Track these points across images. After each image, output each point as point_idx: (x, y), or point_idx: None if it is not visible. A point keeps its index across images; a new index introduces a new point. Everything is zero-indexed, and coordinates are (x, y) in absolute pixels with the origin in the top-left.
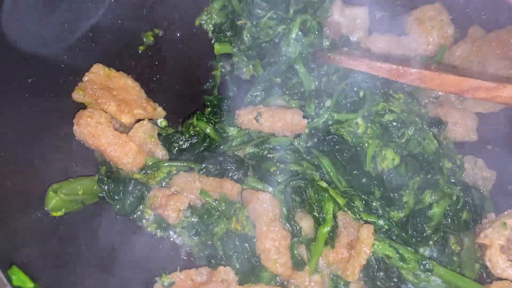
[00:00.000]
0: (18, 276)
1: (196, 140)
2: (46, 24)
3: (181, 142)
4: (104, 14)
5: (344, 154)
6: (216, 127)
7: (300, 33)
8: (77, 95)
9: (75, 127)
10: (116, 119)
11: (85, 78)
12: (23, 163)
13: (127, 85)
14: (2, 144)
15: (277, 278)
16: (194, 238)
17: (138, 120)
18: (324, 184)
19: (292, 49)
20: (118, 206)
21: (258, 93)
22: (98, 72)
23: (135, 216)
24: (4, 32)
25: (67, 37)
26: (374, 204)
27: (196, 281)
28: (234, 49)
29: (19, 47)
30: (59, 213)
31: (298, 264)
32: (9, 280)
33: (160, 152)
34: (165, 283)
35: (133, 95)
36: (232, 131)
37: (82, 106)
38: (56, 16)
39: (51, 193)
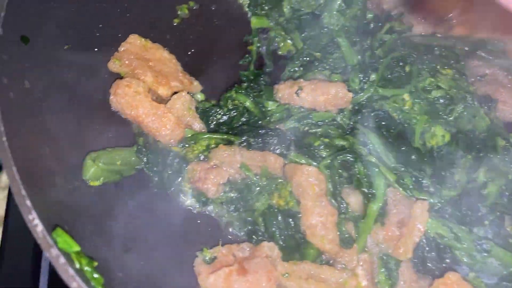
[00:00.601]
0: (63, 238)
1: (235, 113)
2: None
3: (219, 116)
4: None
5: (391, 130)
6: (256, 100)
7: (343, 4)
8: (113, 65)
9: (111, 97)
10: (152, 90)
11: (121, 48)
12: (59, 131)
13: (163, 57)
14: (38, 110)
15: (323, 256)
16: (234, 214)
17: (175, 93)
18: (373, 159)
19: (334, 21)
20: (156, 179)
21: (297, 68)
22: (135, 43)
23: (172, 189)
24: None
25: (103, 6)
26: (425, 181)
27: (238, 257)
28: (272, 23)
29: (56, 14)
30: (96, 183)
31: (346, 242)
32: (55, 242)
33: (198, 125)
34: (207, 258)
35: (170, 68)
36: (271, 105)
37: (118, 77)
38: None
39: (89, 161)
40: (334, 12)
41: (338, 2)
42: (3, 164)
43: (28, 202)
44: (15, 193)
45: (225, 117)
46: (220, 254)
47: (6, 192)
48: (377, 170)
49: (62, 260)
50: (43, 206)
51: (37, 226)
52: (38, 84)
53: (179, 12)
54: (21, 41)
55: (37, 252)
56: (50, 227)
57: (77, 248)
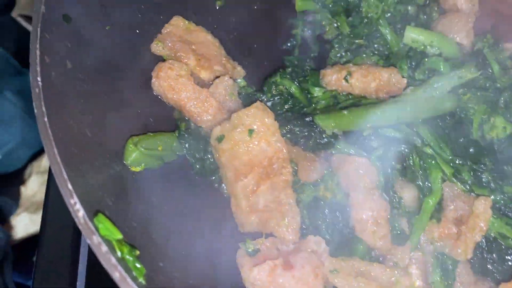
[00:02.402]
0: (105, 224)
1: (279, 99)
2: None
3: (262, 101)
4: None
5: (447, 121)
6: (302, 85)
7: None
8: (156, 47)
9: (154, 79)
10: (194, 74)
11: (165, 30)
12: (100, 113)
13: (206, 40)
14: (80, 92)
15: (372, 252)
16: None
17: (217, 78)
18: (429, 150)
19: (373, 9)
20: (198, 166)
21: (343, 53)
22: (178, 25)
23: (213, 178)
24: None
25: None
26: (484, 176)
27: (283, 250)
28: (318, 5)
29: None
30: (138, 168)
31: (398, 239)
32: (96, 229)
33: None
34: (249, 250)
35: (213, 51)
36: (317, 92)
37: (160, 59)
38: None
39: (131, 146)
40: (372, 0)
41: None
42: (45, 145)
43: (70, 186)
44: (56, 176)
45: (268, 103)
46: (264, 246)
47: (46, 177)
48: (433, 162)
49: (104, 248)
50: (84, 190)
51: (79, 211)
52: (80, 65)
53: None
54: (63, 20)
55: (76, 237)
56: (92, 213)
57: (119, 235)
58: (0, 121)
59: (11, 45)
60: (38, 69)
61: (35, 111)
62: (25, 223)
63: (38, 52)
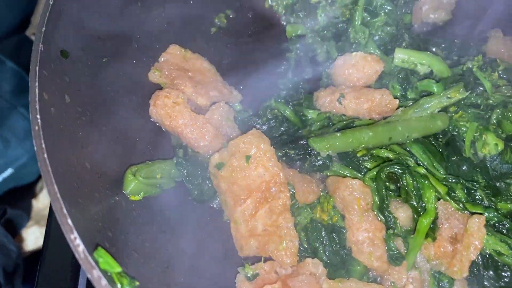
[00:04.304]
0: (105, 258)
1: (274, 123)
2: (119, 3)
3: (258, 126)
4: None
5: (439, 139)
6: (296, 108)
7: (367, 15)
8: (153, 75)
9: (151, 107)
10: (191, 100)
11: (162, 59)
12: (99, 145)
13: (202, 67)
14: (78, 125)
15: (370, 273)
16: None
17: (214, 103)
18: (422, 170)
19: (360, 35)
20: (196, 192)
21: None
22: (175, 53)
23: (211, 203)
24: (81, 14)
25: (140, 17)
26: (478, 193)
27: (281, 274)
28: (308, 31)
29: (96, 28)
30: (137, 197)
31: (394, 258)
32: (96, 263)
33: (237, 136)
34: (249, 275)
35: (209, 78)
36: (311, 114)
37: (157, 88)
38: None
39: (130, 175)
40: (358, 26)
41: (359, 18)
42: (45, 182)
43: (70, 221)
44: (56, 211)
45: (264, 127)
46: (263, 271)
47: None
48: (426, 182)
49: (104, 282)
50: (85, 224)
51: (79, 246)
52: (78, 99)
53: (216, 21)
54: (61, 56)
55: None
56: (92, 247)
57: (118, 268)
58: (13, 136)
59: (25, 63)
60: (37, 106)
61: (35, 148)
62: (35, 236)
63: (37, 90)
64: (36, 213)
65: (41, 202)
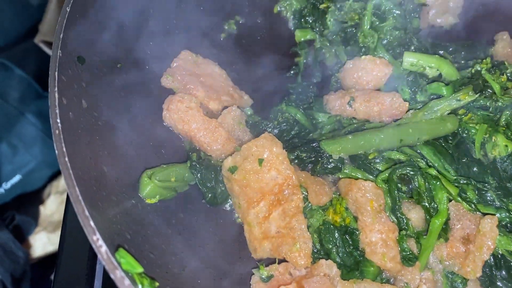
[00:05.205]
0: (126, 259)
1: (286, 126)
2: (130, 10)
3: (269, 129)
4: (186, 1)
5: (449, 141)
6: (307, 112)
7: (375, 19)
8: (166, 80)
9: (164, 112)
10: (203, 105)
11: (174, 64)
12: (115, 149)
13: (214, 72)
14: (96, 129)
15: (383, 274)
16: None
17: (226, 108)
18: (433, 172)
19: (369, 39)
20: (209, 195)
21: None
22: (186, 58)
23: (225, 206)
24: (97, 21)
25: (152, 23)
26: (489, 194)
27: (295, 275)
28: (317, 35)
29: (110, 35)
30: (153, 200)
31: (408, 259)
32: (119, 263)
33: (249, 139)
34: (263, 276)
35: (220, 82)
36: (321, 117)
37: (170, 92)
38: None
39: (146, 179)
40: (367, 30)
41: (367, 22)
42: (67, 185)
43: (92, 223)
44: (79, 214)
45: (275, 131)
46: (277, 272)
47: (64, 197)
48: (438, 183)
49: (127, 282)
50: (105, 226)
51: (101, 246)
52: (95, 103)
53: (226, 27)
54: (78, 62)
55: (92, 257)
56: (113, 248)
57: (140, 269)
58: (21, 142)
59: (33, 70)
60: (57, 111)
61: (56, 151)
62: (43, 242)
63: (56, 95)
64: (44, 219)
65: (49, 208)
